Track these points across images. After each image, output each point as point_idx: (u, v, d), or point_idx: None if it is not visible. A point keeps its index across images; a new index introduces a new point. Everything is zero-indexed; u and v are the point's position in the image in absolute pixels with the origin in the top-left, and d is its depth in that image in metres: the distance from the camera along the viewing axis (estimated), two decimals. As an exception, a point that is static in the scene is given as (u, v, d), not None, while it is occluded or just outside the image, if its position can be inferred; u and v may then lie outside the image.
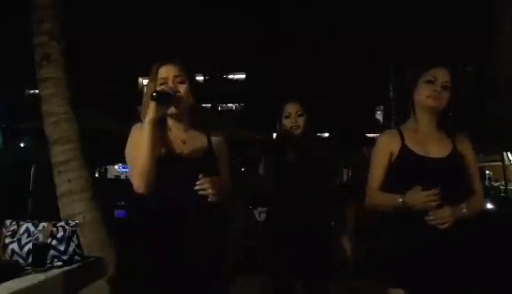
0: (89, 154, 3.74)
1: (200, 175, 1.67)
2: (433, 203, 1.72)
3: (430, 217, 1.73)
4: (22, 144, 8.31)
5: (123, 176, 17.18)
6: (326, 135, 20.56)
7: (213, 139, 1.86)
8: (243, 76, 25.59)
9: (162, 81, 1.77)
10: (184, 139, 1.80)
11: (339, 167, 2.79)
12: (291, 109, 2.48)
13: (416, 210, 1.74)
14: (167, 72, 1.78)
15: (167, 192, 1.69)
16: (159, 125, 1.72)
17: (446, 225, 1.72)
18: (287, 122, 2.48)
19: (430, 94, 1.84)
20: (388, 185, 1.88)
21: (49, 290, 1.89)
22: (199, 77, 22.38)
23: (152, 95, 1.64)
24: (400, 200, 1.77)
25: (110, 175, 15.59)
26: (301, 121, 2.47)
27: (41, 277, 1.88)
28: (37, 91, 3.80)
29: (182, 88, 1.77)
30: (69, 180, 3.56)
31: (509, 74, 3.76)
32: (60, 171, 3.60)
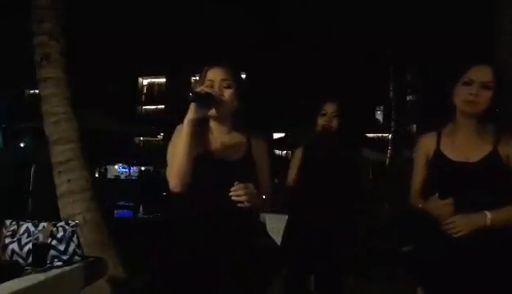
0: (89, 154, 3.74)
1: (236, 182, 1.65)
2: (447, 212, 1.70)
3: (444, 225, 1.71)
4: (22, 144, 8.32)
5: (122, 176, 17.22)
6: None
7: (254, 143, 1.85)
8: (243, 76, 25.59)
9: (209, 83, 1.77)
10: (224, 142, 1.80)
11: (366, 167, 2.90)
12: (328, 108, 2.57)
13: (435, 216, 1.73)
14: (214, 75, 1.78)
15: (203, 194, 1.70)
16: (200, 126, 1.72)
17: (461, 234, 1.69)
18: (321, 121, 2.57)
19: (466, 98, 1.75)
20: (431, 188, 1.84)
21: (49, 290, 1.89)
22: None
23: (190, 96, 1.64)
24: (420, 206, 1.80)
25: (109, 175, 15.61)
26: (335, 122, 2.54)
27: (41, 277, 1.88)
28: (37, 91, 3.80)
29: (227, 92, 1.76)
30: (69, 180, 3.56)
31: (509, 74, 3.76)
32: (60, 171, 3.60)
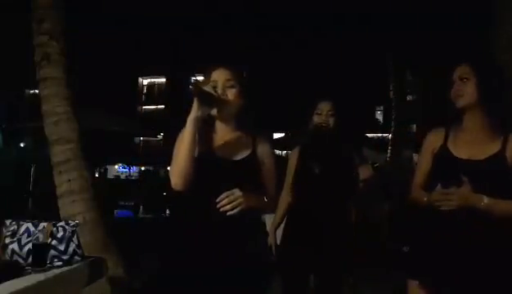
0: (89, 154, 3.74)
1: (224, 194, 1.66)
2: (450, 202, 1.71)
3: (441, 195, 1.73)
4: (22, 144, 8.32)
5: (123, 176, 17.21)
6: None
7: (259, 143, 1.85)
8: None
9: (213, 83, 1.78)
10: (229, 141, 1.82)
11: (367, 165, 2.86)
12: (323, 106, 2.54)
13: (437, 208, 1.74)
14: (218, 75, 1.80)
15: (205, 193, 1.70)
16: (204, 125, 1.75)
17: (452, 206, 1.71)
18: (317, 119, 2.53)
19: (453, 94, 1.84)
20: (431, 183, 1.87)
21: (49, 290, 1.89)
22: (200, 77, 22.33)
23: (190, 88, 1.67)
24: (425, 199, 1.81)
25: (110, 175, 15.59)
26: (332, 121, 2.51)
27: (41, 277, 1.89)
28: (37, 91, 3.81)
29: (231, 92, 1.78)
30: (69, 180, 3.56)
31: (508, 74, 3.76)
32: (60, 171, 3.60)
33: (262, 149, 1.85)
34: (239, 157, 1.79)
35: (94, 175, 4.20)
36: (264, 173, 1.84)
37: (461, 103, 1.82)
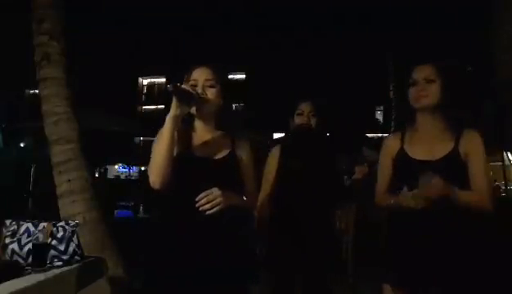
0: (89, 154, 3.74)
1: (203, 193, 1.66)
2: (419, 202, 1.72)
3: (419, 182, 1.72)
4: (22, 144, 8.31)
5: (123, 176, 17.21)
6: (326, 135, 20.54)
7: (238, 143, 1.87)
8: (243, 76, 25.60)
9: (193, 82, 1.80)
10: (207, 140, 1.82)
11: (349, 166, 2.81)
12: (304, 107, 2.52)
13: (407, 209, 1.75)
14: (198, 75, 1.82)
15: (184, 192, 1.70)
16: (184, 124, 1.77)
17: (427, 200, 1.71)
18: (299, 120, 2.51)
19: (415, 95, 1.86)
20: (395, 186, 1.90)
21: (49, 290, 1.89)
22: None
23: (168, 87, 1.66)
24: (391, 202, 1.82)
25: (110, 175, 15.60)
26: (313, 121, 2.50)
27: (41, 277, 1.89)
28: (37, 91, 3.80)
29: (211, 92, 1.80)
30: (69, 180, 3.56)
31: (508, 74, 3.76)
32: (60, 171, 3.59)
33: (241, 149, 1.87)
34: (218, 156, 1.80)
35: (94, 175, 4.20)
36: (244, 172, 1.85)
37: (425, 104, 1.85)
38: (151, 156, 1.74)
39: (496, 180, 12.09)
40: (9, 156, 6.91)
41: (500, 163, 9.60)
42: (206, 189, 1.67)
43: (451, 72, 1.88)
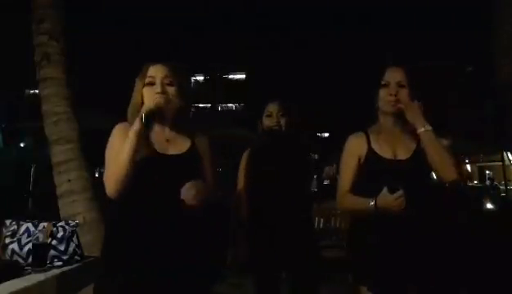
0: (89, 154, 3.74)
1: (187, 184, 1.65)
2: (402, 204, 1.72)
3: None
4: (22, 144, 8.30)
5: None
6: (326, 135, 20.57)
7: (197, 139, 1.86)
8: (243, 76, 25.60)
9: (150, 79, 1.79)
10: (168, 138, 1.81)
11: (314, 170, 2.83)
12: (272, 108, 2.51)
13: (387, 211, 1.75)
14: (155, 72, 1.81)
15: (148, 190, 1.68)
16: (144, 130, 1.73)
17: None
18: (268, 122, 2.51)
19: (386, 98, 1.88)
20: (358, 188, 1.89)
21: (49, 290, 1.89)
22: (200, 77, 22.39)
23: (141, 118, 1.66)
24: (371, 204, 1.78)
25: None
26: (283, 121, 2.48)
27: (41, 277, 1.88)
28: (37, 91, 3.81)
29: (170, 90, 1.78)
30: (69, 180, 3.56)
31: (508, 74, 3.76)
32: (60, 171, 3.60)
33: (201, 145, 1.86)
34: (179, 152, 1.79)
35: (94, 175, 4.20)
36: (205, 166, 1.85)
37: (400, 109, 1.86)
38: (108, 165, 1.70)
39: (494, 180, 12.13)
40: (9, 156, 6.90)
41: (500, 163, 9.62)
42: (166, 185, 1.66)
43: (417, 78, 1.91)
